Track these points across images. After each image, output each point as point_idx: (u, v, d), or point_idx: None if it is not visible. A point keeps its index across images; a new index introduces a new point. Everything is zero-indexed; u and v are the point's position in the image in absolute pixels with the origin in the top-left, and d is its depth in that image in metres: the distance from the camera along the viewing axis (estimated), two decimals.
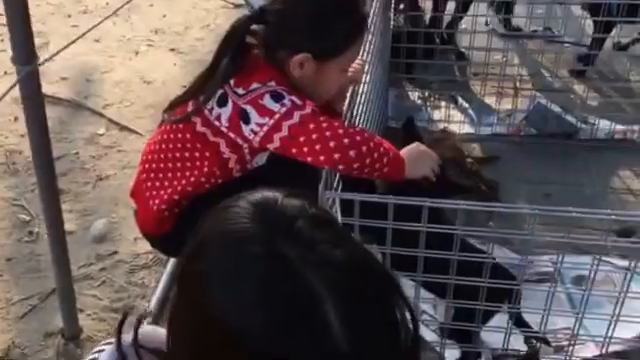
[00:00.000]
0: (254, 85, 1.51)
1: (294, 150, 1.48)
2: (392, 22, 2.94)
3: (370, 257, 0.74)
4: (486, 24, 3.37)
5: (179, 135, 1.59)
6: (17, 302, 2.06)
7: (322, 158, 1.46)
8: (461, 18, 3.26)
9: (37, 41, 3.49)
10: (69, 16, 3.91)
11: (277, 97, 1.50)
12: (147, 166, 1.65)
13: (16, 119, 2.94)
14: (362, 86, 2.00)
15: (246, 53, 1.59)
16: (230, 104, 1.52)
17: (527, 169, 2.65)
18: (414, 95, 3.09)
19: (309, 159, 1.47)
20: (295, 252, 0.68)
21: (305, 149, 1.46)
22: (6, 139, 2.82)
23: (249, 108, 1.50)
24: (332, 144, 1.46)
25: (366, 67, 1.86)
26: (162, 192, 1.61)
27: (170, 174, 1.60)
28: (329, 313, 0.66)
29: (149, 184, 1.63)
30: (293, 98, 1.51)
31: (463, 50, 3.26)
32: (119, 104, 3.09)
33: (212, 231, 0.75)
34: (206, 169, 1.58)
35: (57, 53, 1.55)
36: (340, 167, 1.48)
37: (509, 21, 3.49)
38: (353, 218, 1.40)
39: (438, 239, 1.54)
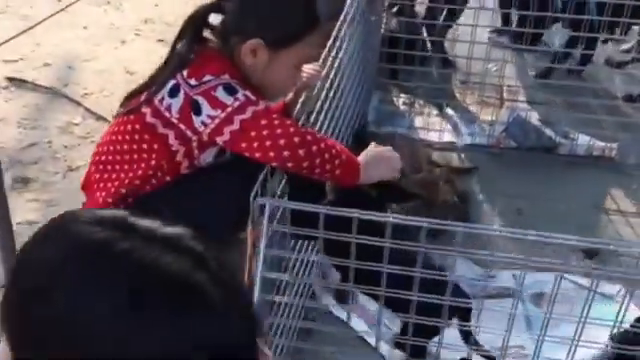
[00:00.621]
0: (207, 77, 1.50)
1: (244, 145, 1.47)
2: (383, 25, 2.91)
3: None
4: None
5: (129, 127, 1.58)
6: None
7: (272, 154, 1.45)
8: (450, 26, 3.22)
9: (22, 24, 3.48)
10: (59, 0, 3.88)
11: (230, 90, 1.49)
12: (97, 158, 1.63)
13: None
14: (329, 88, 1.98)
15: (201, 45, 1.59)
16: (182, 95, 1.51)
17: (503, 182, 2.61)
18: (399, 100, 3.06)
19: (258, 155, 1.46)
20: None
21: (255, 144, 1.45)
22: None
23: (201, 99, 1.48)
24: (282, 141, 1.45)
25: (323, 73, 1.83)
26: (109, 184, 1.59)
27: (118, 166, 1.59)
28: None
29: (97, 176, 1.62)
30: (247, 93, 1.51)
31: (451, 58, 3.22)
32: (99, 94, 3.06)
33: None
34: (154, 162, 1.56)
35: None
36: (289, 164, 1.48)
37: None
38: (284, 225, 1.36)
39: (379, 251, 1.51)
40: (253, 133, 1.45)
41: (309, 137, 1.49)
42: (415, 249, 1.44)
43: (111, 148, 1.60)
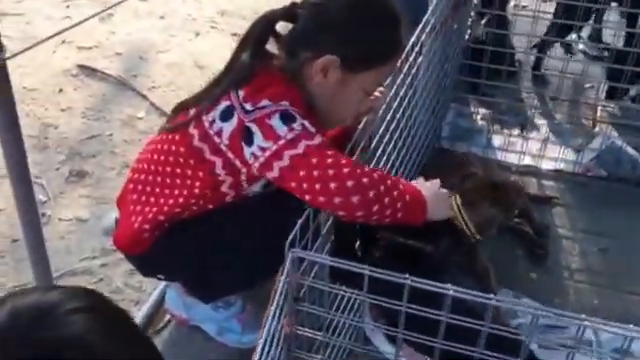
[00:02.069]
0: (264, 102, 1.33)
1: (293, 184, 1.28)
2: (467, 36, 2.69)
3: None
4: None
5: (173, 147, 1.43)
6: (10, 288, 1.98)
7: (321, 199, 1.26)
8: (552, 43, 2.95)
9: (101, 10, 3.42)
10: None
11: (287, 119, 1.31)
12: (136, 176, 1.50)
13: (61, 91, 2.89)
14: (402, 101, 1.79)
15: (265, 58, 1.42)
16: (235, 120, 1.34)
17: (588, 216, 2.36)
18: (477, 116, 2.83)
19: (307, 197, 1.27)
20: None
21: (304, 185, 1.27)
22: (45, 111, 2.76)
23: (254, 127, 1.31)
24: (333, 185, 1.26)
25: (389, 96, 1.63)
26: (147, 209, 1.45)
27: (158, 189, 1.44)
28: None
29: (135, 197, 1.48)
30: (305, 123, 1.32)
31: (543, 73, 2.96)
32: (166, 87, 2.99)
33: None
34: (197, 190, 1.41)
35: (17, 54, 1.39)
36: (341, 213, 1.28)
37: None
38: (320, 281, 1.18)
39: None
40: (302, 173, 1.27)
41: (365, 180, 1.28)
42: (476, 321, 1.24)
43: (152, 167, 1.46)
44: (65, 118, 2.73)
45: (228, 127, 1.34)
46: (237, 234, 1.43)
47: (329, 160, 1.27)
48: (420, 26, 1.95)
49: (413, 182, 1.48)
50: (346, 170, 1.26)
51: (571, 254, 2.21)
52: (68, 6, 3.61)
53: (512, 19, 2.91)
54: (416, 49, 1.87)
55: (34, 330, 0.62)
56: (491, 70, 2.59)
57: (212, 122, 1.36)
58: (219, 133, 1.35)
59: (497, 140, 2.68)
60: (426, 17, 2.01)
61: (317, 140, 1.30)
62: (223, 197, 1.43)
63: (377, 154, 1.69)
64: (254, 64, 1.37)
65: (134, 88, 2.93)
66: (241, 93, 1.34)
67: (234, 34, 3.45)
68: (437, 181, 1.52)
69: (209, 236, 1.43)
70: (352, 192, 1.25)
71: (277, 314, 1.08)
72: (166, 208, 1.43)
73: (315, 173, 1.26)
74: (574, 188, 2.49)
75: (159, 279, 1.70)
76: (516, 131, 2.71)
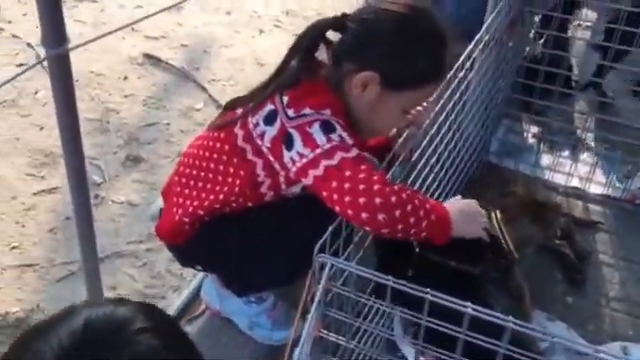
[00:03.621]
0: (307, 110, 1.37)
1: (324, 193, 1.33)
2: (526, 53, 2.67)
3: None
4: None
5: (218, 145, 1.50)
6: (59, 264, 2.09)
7: (350, 212, 1.30)
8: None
9: (171, 3, 3.57)
10: None
11: (327, 129, 1.35)
12: (182, 169, 1.58)
13: (125, 78, 3.01)
14: (449, 115, 1.82)
15: (313, 68, 1.47)
16: (277, 124, 1.39)
17: (632, 245, 2.32)
18: (528, 133, 2.81)
19: (337, 208, 1.31)
20: None
21: (335, 196, 1.31)
22: (109, 96, 2.89)
23: (295, 134, 1.36)
24: (362, 200, 1.29)
25: (430, 116, 1.65)
26: (188, 202, 1.53)
27: (201, 184, 1.52)
28: None
29: (178, 189, 1.56)
30: (344, 135, 1.36)
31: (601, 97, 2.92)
32: (225, 82, 3.08)
33: None
34: (237, 188, 1.47)
35: (87, 43, 1.48)
36: (367, 228, 1.32)
37: None
38: (345, 288, 1.23)
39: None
40: (334, 184, 1.31)
41: (394, 198, 1.31)
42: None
43: (197, 162, 1.54)
44: (127, 104, 2.85)
45: (271, 131, 1.40)
46: (275, 231, 1.48)
47: (361, 175, 1.30)
48: (473, 42, 1.97)
49: (448, 201, 1.51)
50: (376, 187, 1.30)
51: (610, 282, 2.18)
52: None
53: (572, 40, 2.87)
54: (467, 64, 1.89)
55: (106, 345, 0.67)
56: (545, 89, 2.58)
57: (256, 124, 1.42)
58: (262, 136, 1.41)
59: (546, 159, 2.66)
60: (480, 33, 2.03)
61: (353, 153, 1.34)
62: (262, 197, 1.49)
63: (419, 166, 1.72)
64: (300, 71, 1.42)
65: (195, 80, 3.04)
66: (285, 99, 1.40)
67: (296, 34, 3.51)
68: (473, 201, 1.54)
69: (248, 231, 1.50)
70: (379, 209, 1.29)
71: (312, 318, 1.12)
72: (206, 203, 1.50)
73: (346, 186, 1.29)
74: (620, 215, 2.45)
75: (197, 270, 1.78)
76: (566, 152, 2.69)
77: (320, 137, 1.33)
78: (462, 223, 1.41)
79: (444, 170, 1.98)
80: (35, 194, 2.34)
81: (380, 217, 1.28)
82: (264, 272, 1.55)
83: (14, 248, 2.13)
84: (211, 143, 1.52)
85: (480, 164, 2.53)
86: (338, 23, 1.44)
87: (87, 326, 0.67)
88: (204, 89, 2.98)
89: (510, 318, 1.18)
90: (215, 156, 1.50)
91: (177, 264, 2.11)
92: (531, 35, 2.64)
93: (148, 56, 3.17)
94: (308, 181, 1.35)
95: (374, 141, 1.62)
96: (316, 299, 1.15)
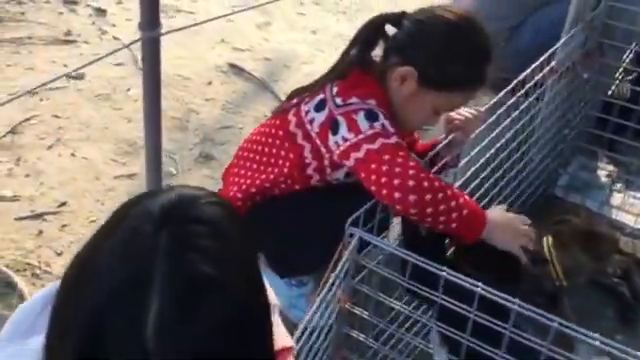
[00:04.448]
0: (353, 99, 1.49)
1: (363, 174, 1.43)
2: (612, 90, 2.64)
3: (233, 283, 0.74)
4: None
5: (273, 131, 1.61)
6: None
7: (384, 192, 1.39)
8: None
9: (261, 20, 3.75)
10: (301, 4, 4.11)
11: (371, 116, 1.47)
12: (241, 153, 1.69)
13: (209, 83, 3.17)
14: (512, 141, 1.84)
15: (367, 61, 1.58)
16: (326, 111, 1.51)
17: None
18: (602, 172, 2.76)
19: (373, 188, 1.41)
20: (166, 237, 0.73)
21: (372, 177, 1.41)
22: (193, 98, 3.05)
23: (341, 119, 1.48)
24: (396, 181, 1.38)
25: (480, 125, 1.70)
26: (242, 180, 1.64)
27: (255, 165, 1.63)
28: (152, 304, 0.69)
29: (236, 170, 1.67)
30: (385, 123, 1.47)
31: None
32: None
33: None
34: (286, 170, 1.58)
35: (176, 30, 1.62)
36: (398, 207, 1.39)
37: None
38: (368, 261, 1.27)
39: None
40: (373, 165, 1.41)
41: (426, 183, 1.39)
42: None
43: (254, 146, 1.65)
44: (207, 107, 3.00)
45: (320, 117, 1.52)
46: (319, 216, 1.56)
47: (399, 160, 1.40)
48: (543, 69, 1.97)
49: (494, 207, 1.54)
50: (411, 172, 1.38)
51: None
52: (234, 10, 3.94)
53: None
54: (537, 92, 1.90)
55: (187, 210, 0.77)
56: (622, 126, 2.53)
57: (307, 112, 1.55)
58: (311, 121, 1.53)
59: (617, 199, 2.61)
60: (556, 58, 2.03)
61: (393, 139, 1.43)
62: (308, 179, 1.58)
63: (472, 185, 1.74)
64: (352, 63, 1.54)
65: (272, 91, 3.16)
66: (335, 89, 1.52)
67: None
68: (521, 217, 1.56)
69: (293, 214, 1.58)
70: (411, 191, 1.37)
71: (334, 285, 1.18)
72: (258, 182, 1.61)
73: (384, 168, 1.39)
74: None
75: None
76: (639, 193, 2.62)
77: (364, 124, 1.43)
78: (497, 230, 1.44)
79: (502, 195, 1.98)
80: (116, 177, 2.50)
81: (411, 198, 1.35)
82: (305, 256, 1.62)
83: (92, 222, 2.28)
84: (267, 129, 1.64)
85: (544, 197, 2.51)
86: (396, 19, 1.53)
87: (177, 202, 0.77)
88: (279, 99, 3.09)
89: (556, 318, 1.18)
90: (270, 140, 1.61)
91: None
92: (619, 72, 2.60)
93: (232, 65, 3.33)
94: (350, 163, 1.43)
95: (422, 147, 1.69)
96: (339, 267, 1.20)
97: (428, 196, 1.38)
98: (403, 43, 1.54)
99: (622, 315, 2.13)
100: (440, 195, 1.39)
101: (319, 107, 1.53)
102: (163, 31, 1.59)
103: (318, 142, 1.53)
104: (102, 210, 2.34)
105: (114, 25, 3.55)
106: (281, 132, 1.60)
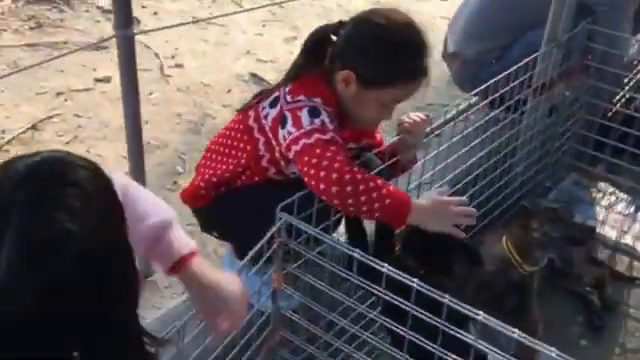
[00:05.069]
0: (301, 97, 1.66)
1: (299, 166, 1.59)
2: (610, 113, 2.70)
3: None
4: None
5: (236, 125, 1.81)
6: None
7: (313, 183, 1.55)
8: None
9: (289, 33, 3.91)
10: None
11: (313, 113, 1.62)
12: (209, 146, 1.88)
13: (229, 91, 3.38)
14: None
15: (316, 64, 1.72)
16: (278, 107, 1.68)
17: None
18: (594, 189, 2.82)
19: (305, 179, 1.57)
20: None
21: (305, 169, 1.57)
22: (210, 104, 3.26)
23: (288, 115, 1.64)
24: (322, 174, 1.53)
25: (428, 128, 1.83)
26: (206, 171, 1.82)
27: (219, 157, 1.81)
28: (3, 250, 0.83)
29: (203, 162, 1.87)
30: (325, 120, 1.61)
31: None
32: None
33: None
34: (243, 161, 1.75)
35: (158, 29, 1.82)
36: (323, 198, 1.55)
37: None
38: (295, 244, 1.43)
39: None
40: (306, 158, 1.56)
41: (348, 177, 1.52)
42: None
43: (220, 139, 1.84)
44: (223, 113, 3.20)
45: (272, 112, 1.69)
46: (276, 206, 1.71)
47: (328, 154, 1.55)
48: (505, 73, 2.08)
49: (427, 192, 1.68)
50: (337, 165, 1.53)
51: (633, 335, 2.18)
52: (264, 25, 4.15)
53: None
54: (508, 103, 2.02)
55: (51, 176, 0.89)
56: (617, 148, 2.57)
57: (264, 107, 1.72)
58: (266, 116, 1.71)
59: (603, 214, 2.67)
60: (514, 68, 2.12)
61: (328, 135, 1.58)
62: (265, 171, 1.75)
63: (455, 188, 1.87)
64: (301, 67, 1.71)
65: None
66: (287, 88, 1.68)
67: None
68: (458, 198, 1.66)
69: (252, 204, 1.73)
70: (334, 183, 1.52)
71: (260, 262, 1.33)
72: (219, 172, 1.79)
73: (314, 161, 1.54)
74: None
75: (214, 237, 2.03)
76: (628, 211, 2.68)
77: (306, 120, 1.60)
78: (425, 214, 1.57)
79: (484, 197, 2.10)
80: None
81: (333, 189, 1.50)
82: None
83: None
84: (232, 124, 1.84)
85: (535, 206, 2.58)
86: (335, 29, 1.69)
87: (41, 162, 0.90)
88: None
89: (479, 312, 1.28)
90: (232, 134, 1.79)
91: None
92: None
93: (254, 75, 3.53)
94: (291, 155, 1.59)
95: (382, 149, 1.83)
96: (270, 250, 1.35)
97: (349, 188, 1.52)
98: (340, 49, 1.69)
99: (590, 322, 2.20)
100: (362, 187, 1.52)
101: (273, 104, 1.70)
102: (136, 31, 1.79)
103: (270, 135, 1.70)
104: None
105: (147, 34, 3.81)
106: (241, 126, 1.77)
